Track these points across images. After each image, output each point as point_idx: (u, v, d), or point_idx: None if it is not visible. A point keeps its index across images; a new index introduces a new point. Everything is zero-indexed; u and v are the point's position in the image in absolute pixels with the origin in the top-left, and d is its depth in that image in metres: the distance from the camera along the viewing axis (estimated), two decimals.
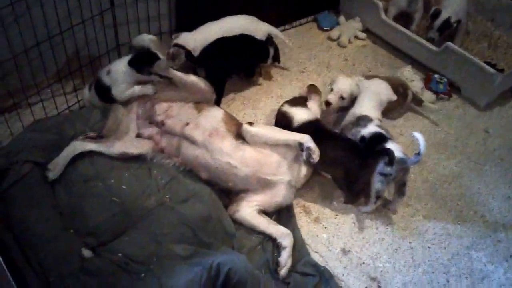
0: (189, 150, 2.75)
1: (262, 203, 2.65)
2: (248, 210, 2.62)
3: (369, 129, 2.79)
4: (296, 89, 3.48)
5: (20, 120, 2.88)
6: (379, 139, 2.73)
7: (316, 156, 2.55)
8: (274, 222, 2.63)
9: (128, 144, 2.78)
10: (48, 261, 2.26)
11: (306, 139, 2.60)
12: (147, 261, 2.32)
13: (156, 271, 2.25)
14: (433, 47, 3.66)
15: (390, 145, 2.68)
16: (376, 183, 2.64)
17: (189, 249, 2.36)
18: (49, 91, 3.01)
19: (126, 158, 2.74)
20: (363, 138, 2.79)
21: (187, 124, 2.79)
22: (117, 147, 2.75)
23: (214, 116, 2.82)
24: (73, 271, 2.25)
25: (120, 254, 2.33)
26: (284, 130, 2.76)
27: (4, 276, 2.02)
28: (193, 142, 2.74)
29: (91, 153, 2.75)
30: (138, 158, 2.77)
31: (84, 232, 2.45)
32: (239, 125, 2.78)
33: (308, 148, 2.57)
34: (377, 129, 2.79)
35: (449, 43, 3.54)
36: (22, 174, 2.52)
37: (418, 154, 2.59)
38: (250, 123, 2.72)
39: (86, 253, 2.35)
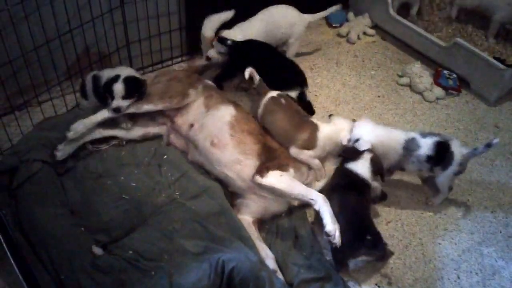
0: (195, 155, 2.79)
1: (258, 212, 2.61)
2: (241, 217, 2.58)
3: (426, 144, 2.64)
4: None
5: (30, 118, 2.90)
6: (443, 146, 2.64)
7: (337, 241, 2.28)
8: (261, 240, 2.54)
9: (146, 126, 2.88)
10: (60, 259, 2.28)
11: (322, 205, 2.37)
12: (158, 258, 2.33)
13: (167, 269, 2.26)
14: (442, 43, 3.65)
15: (454, 144, 2.64)
16: (450, 183, 2.73)
17: (200, 245, 2.37)
18: (59, 89, 3.02)
19: (146, 139, 2.88)
20: (429, 157, 2.64)
21: (192, 125, 2.79)
22: (137, 130, 2.85)
23: (221, 116, 2.76)
24: (85, 268, 2.26)
25: (131, 251, 2.34)
26: (299, 184, 2.52)
27: (14, 274, 2.04)
28: (196, 147, 2.76)
29: (100, 151, 2.78)
30: (155, 138, 2.91)
31: (94, 229, 2.47)
32: (249, 132, 2.72)
33: (327, 234, 2.29)
34: (432, 139, 2.65)
35: (458, 39, 3.53)
36: (32, 172, 2.54)
37: (489, 145, 2.62)
38: (263, 170, 2.54)
39: (97, 250, 2.37)
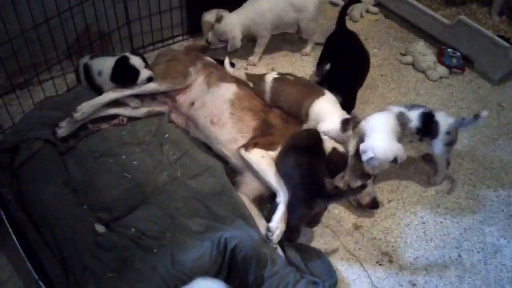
0: (196, 132, 2.80)
1: (257, 189, 2.61)
2: (242, 194, 2.58)
3: (415, 117, 2.67)
4: (308, 64, 3.45)
5: (31, 97, 2.89)
6: (429, 117, 2.68)
7: (273, 240, 2.34)
8: (262, 217, 2.53)
9: (149, 105, 2.87)
10: (63, 237, 2.29)
11: (283, 201, 2.40)
12: (160, 236, 2.34)
13: (169, 246, 2.28)
14: (446, 21, 3.60)
15: (438, 114, 2.69)
16: (445, 152, 2.72)
17: (202, 224, 2.38)
18: (59, 67, 3.01)
19: (149, 116, 2.87)
20: (418, 129, 2.68)
21: (193, 103, 2.78)
22: (141, 108, 2.84)
23: (222, 94, 2.76)
24: (87, 246, 2.27)
25: (133, 229, 2.35)
26: (274, 173, 2.48)
27: (17, 252, 2.05)
28: (196, 125, 2.77)
29: (101, 130, 2.77)
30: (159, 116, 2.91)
31: (97, 207, 2.47)
32: (250, 108, 2.72)
33: (268, 229, 2.36)
34: (419, 110, 2.69)
35: (462, 17, 3.49)
36: (33, 151, 2.54)
37: (476, 117, 2.64)
38: (250, 144, 2.57)
39: (100, 228, 2.38)
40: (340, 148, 2.58)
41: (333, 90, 2.85)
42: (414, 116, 2.68)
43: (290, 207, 2.40)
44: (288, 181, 2.42)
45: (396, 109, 2.72)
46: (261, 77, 2.92)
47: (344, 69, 3.04)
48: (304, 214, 2.37)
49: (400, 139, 2.66)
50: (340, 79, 2.99)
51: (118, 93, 2.75)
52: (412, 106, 2.74)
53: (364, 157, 2.51)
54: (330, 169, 2.52)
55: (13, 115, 2.81)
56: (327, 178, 2.49)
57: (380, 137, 2.55)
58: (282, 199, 2.42)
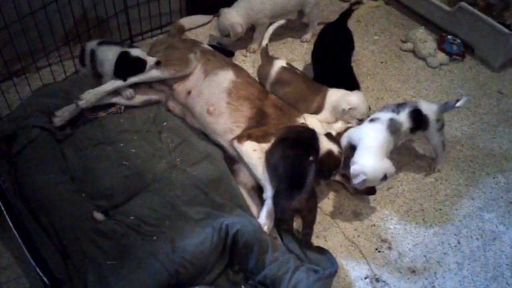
0: (193, 121, 2.79)
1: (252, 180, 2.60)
2: (240, 182, 2.59)
3: (405, 119, 2.59)
4: (308, 51, 3.42)
5: (29, 84, 2.87)
6: (417, 113, 2.61)
7: (266, 229, 2.36)
8: (259, 205, 2.53)
9: (146, 93, 2.85)
10: (61, 225, 2.28)
11: (270, 197, 2.40)
12: (160, 223, 2.34)
13: (169, 234, 2.27)
14: (447, 7, 3.58)
15: (424, 107, 2.63)
16: (439, 137, 2.72)
17: (201, 212, 2.38)
18: (57, 54, 2.98)
19: (146, 105, 2.85)
20: (412, 129, 2.61)
21: (190, 92, 2.76)
22: (138, 97, 2.82)
23: (219, 83, 2.74)
24: (87, 234, 2.27)
25: (132, 217, 2.35)
26: (263, 169, 2.48)
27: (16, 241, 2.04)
28: (193, 114, 2.75)
29: (98, 118, 2.76)
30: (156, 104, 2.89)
31: (95, 195, 2.47)
32: (247, 97, 2.70)
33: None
34: (406, 110, 2.60)
35: (463, 3, 3.46)
36: (31, 138, 2.53)
37: (458, 101, 2.64)
38: (244, 136, 2.56)
39: (98, 216, 2.37)
40: (336, 151, 2.52)
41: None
42: (404, 119, 2.59)
43: (273, 200, 2.38)
44: (274, 172, 2.42)
45: (386, 116, 2.60)
46: (271, 60, 2.92)
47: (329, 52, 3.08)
48: (283, 207, 2.33)
49: (394, 145, 2.61)
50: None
51: (123, 82, 2.73)
52: (398, 108, 2.63)
53: (356, 181, 2.44)
54: (320, 171, 2.45)
55: (10, 103, 2.80)
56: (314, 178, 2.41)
57: (369, 157, 2.46)
58: (269, 194, 2.41)
